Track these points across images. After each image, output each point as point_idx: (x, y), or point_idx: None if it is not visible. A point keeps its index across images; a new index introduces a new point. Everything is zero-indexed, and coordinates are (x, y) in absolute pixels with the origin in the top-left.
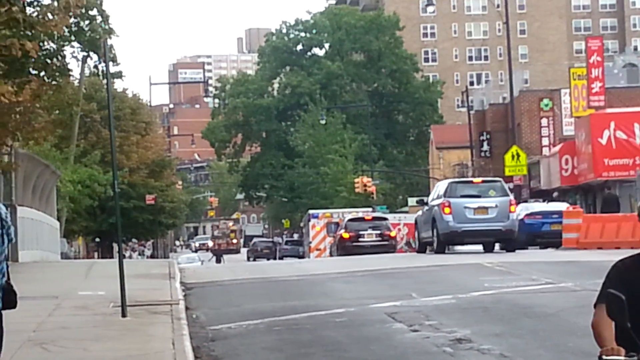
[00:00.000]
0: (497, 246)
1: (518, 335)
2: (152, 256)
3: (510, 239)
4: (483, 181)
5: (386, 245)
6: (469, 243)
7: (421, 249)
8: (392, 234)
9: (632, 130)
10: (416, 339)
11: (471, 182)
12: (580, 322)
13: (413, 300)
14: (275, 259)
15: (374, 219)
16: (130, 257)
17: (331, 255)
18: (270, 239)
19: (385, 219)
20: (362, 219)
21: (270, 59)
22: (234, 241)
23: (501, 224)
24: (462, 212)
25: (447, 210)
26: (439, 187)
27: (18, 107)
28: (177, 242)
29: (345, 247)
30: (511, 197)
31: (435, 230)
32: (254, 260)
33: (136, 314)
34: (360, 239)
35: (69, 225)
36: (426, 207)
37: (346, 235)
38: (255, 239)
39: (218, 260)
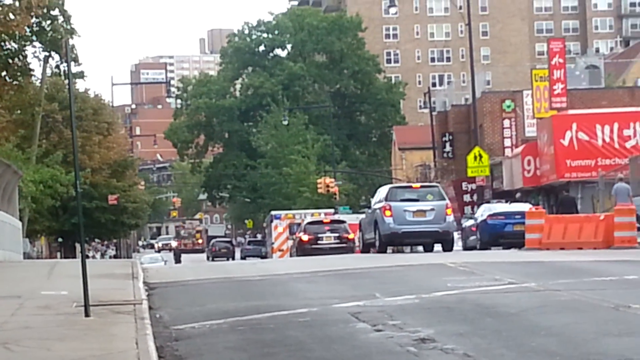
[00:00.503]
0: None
1: (481, 335)
2: (115, 256)
3: (447, 240)
4: (421, 186)
5: (344, 248)
6: (408, 244)
7: (365, 250)
8: (350, 236)
9: (594, 131)
10: (380, 338)
11: (410, 187)
12: (542, 322)
13: (376, 300)
14: (233, 258)
15: (332, 222)
16: (93, 257)
17: (291, 257)
18: (229, 239)
19: (344, 221)
20: (320, 222)
21: (233, 59)
22: (200, 241)
23: (438, 225)
24: (402, 215)
25: (388, 213)
26: (381, 192)
27: None
28: (140, 242)
29: (304, 250)
30: (447, 201)
31: (377, 232)
32: (213, 260)
33: (99, 313)
34: (319, 242)
35: (31, 225)
36: (369, 210)
37: (305, 238)
38: (213, 240)
39: (178, 260)
